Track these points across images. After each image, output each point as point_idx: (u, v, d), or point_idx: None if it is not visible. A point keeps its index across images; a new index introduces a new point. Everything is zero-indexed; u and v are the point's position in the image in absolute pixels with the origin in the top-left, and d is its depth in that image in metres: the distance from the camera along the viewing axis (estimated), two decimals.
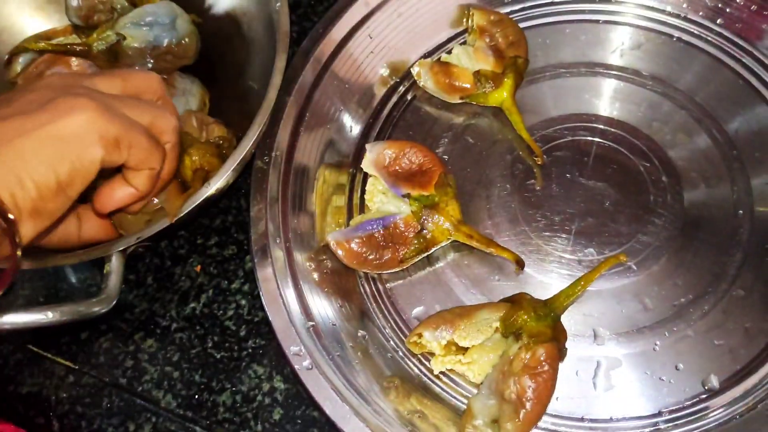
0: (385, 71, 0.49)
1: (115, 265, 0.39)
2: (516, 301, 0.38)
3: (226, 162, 0.40)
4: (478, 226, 0.44)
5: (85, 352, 0.44)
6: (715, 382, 0.39)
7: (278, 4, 0.43)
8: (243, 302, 0.44)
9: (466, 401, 0.39)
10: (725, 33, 0.48)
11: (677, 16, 0.48)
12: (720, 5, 0.48)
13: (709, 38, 0.48)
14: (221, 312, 0.44)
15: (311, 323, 0.40)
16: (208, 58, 0.49)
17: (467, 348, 0.38)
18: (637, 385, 0.39)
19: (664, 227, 0.43)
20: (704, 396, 0.38)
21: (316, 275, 0.42)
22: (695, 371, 0.39)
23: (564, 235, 0.43)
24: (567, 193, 0.44)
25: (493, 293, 0.42)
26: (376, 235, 0.41)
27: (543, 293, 0.41)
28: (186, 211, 0.39)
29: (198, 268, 0.46)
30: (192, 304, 0.45)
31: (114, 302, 0.37)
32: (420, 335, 0.39)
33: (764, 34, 0.47)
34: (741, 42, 0.47)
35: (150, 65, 0.46)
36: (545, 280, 0.42)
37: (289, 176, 0.44)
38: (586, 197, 0.44)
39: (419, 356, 0.41)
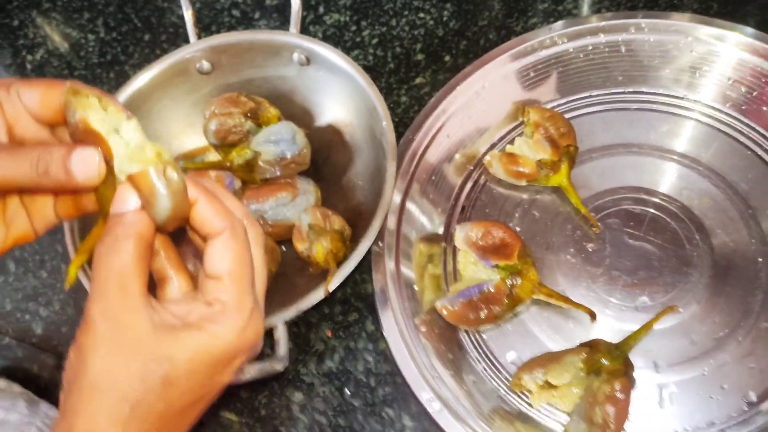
0: (461, 161, 0.61)
1: (281, 332, 0.50)
2: (593, 346, 0.49)
3: (359, 246, 0.51)
4: (552, 284, 0.55)
5: (248, 408, 0.55)
6: (753, 396, 0.50)
7: (384, 123, 0.55)
8: (369, 358, 0.56)
9: (558, 425, 0.50)
10: (735, 114, 0.59)
11: (696, 102, 0.60)
12: (731, 94, 0.60)
13: (722, 120, 0.59)
14: (353, 367, 0.55)
15: (435, 373, 0.51)
16: (314, 161, 0.61)
17: (558, 385, 0.50)
18: (692, 404, 0.50)
19: (701, 276, 0.54)
20: (746, 408, 0.49)
21: (428, 333, 0.53)
22: (737, 389, 0.50)
23: (621, 287, 0.54)
24: (620, 253, 0.55)
25: (569, 337, 0.53)
26: (474, 299, 0.53)
27: (609, 334, 0.52)
28: (336, 286, 0.50)
29: (329, 333, 0.57)
30: (328, 363, 0.56)
31: (287, 361, 0.49)
32: (520, 378, 0.50)
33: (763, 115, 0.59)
34: (746, 119, 0.59)
35: (278, 173, 0.58)
36: (610, 324, 0.53)
37: (399, 256, 0.56)
38: (636, 255, 0.55)
39: (518, 392, 0.52)
